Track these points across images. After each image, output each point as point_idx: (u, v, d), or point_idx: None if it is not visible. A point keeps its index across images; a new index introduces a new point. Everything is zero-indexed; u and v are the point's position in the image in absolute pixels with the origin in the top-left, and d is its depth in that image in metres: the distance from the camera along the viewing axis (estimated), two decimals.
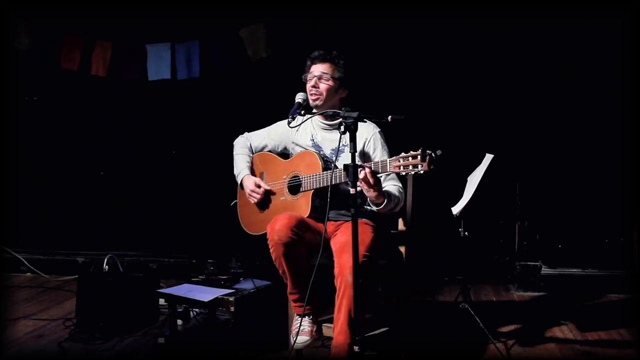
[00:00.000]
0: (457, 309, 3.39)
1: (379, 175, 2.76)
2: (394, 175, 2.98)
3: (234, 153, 3.32)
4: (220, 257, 3.69)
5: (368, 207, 3.00)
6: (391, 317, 3.25)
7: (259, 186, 3.15)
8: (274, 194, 3.15)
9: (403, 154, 2.61)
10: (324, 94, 3.02)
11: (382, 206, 2.85)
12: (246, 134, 3.34)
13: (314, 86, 3.02)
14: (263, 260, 3.31)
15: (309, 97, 3.04)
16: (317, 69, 3.05)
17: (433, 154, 2.54)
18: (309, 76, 3.06)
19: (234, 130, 3.39)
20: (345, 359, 2.72)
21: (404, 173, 2.61)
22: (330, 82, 3.03)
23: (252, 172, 3.25)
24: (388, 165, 2.66)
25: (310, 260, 2.88)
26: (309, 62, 3.09)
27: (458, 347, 3.33)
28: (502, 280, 4.46)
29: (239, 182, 3.25)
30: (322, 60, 3.05)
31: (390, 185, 2.97)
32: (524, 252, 4.36)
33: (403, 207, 3.07)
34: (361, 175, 2.68)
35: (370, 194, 2.78)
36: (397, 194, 2.94)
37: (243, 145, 3.30)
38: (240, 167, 3.25)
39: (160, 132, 4.79)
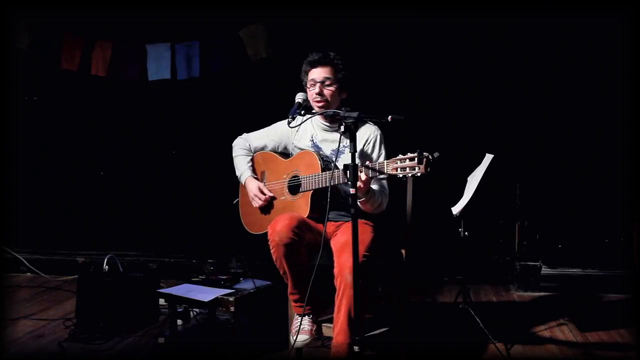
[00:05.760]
0: (457, 309, 3.39)
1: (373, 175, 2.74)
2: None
3: (234, 155, 3.29)
4: (220, 257, 3.68)
5: None
6: (391, 317, 3.25)
7: (262, 192, 3.13)
8: (275, 198, 3.15)
9: (400, 156, 2.60)
10: (329, 99, 3.00)
11: (362, 200, 2.83)
12: (244, 134, 3.31)
13: (318, 93, 2.99)
14: (263, 260, 3.31)
15: (314, 103, 3.00)
16: (319, 73, 3.01)
17: (430, 157, 2.52)
18: (310, 81, 3.02)
19: (233, 130, 3.38)
20: (345, 359, 2.72)
21: (401, 175, 2.60)
22: (334, 87, 3.00)
23: (254, 172, 3.24)
24: (385, 167, 2.65)
25: (311, 261, 2.88)
26: (307, 67, 3.04)
27: (458, 347, 3.32)
28: (502, 280, 4.46)
29: (242, 183, 3.23)
30: (322, 64, 3.01)
31: (376, 186, 2.96)
32: (524, 252, 4.36)
33: (403, 208, 3.06)
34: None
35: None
36: (380, 194, 2.93)
37: (242, 147, 3.27)
38: (243, 168, 3.23)
39: (160, 132, 4.79)
